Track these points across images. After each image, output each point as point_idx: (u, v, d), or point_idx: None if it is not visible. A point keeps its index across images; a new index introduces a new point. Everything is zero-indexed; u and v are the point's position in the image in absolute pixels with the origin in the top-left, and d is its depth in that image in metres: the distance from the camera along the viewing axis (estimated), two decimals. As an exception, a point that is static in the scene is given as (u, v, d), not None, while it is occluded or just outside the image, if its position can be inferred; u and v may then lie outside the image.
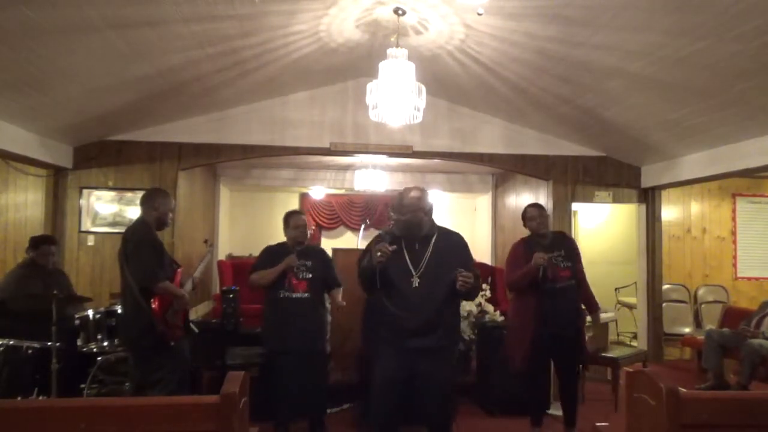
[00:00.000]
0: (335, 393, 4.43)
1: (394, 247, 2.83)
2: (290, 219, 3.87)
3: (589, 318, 4.12)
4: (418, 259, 2.90)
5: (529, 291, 3.72)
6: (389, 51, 3.56)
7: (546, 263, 3.61)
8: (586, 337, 3.98)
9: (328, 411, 4.09)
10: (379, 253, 2.76)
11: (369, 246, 3.09)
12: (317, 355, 3.80)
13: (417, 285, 2.85)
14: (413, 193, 2.96)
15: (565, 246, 3.88)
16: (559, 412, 4.16)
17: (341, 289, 3.96)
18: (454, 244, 3.04)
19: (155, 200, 3.44)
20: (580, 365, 4.01)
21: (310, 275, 3.74)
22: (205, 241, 4.14)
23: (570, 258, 3.82)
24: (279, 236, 3.95)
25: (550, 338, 3.67)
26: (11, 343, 3.73)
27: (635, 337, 6.89)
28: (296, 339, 3.64)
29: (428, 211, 2.99)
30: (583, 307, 3.99)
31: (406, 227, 2.93)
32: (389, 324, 2.89)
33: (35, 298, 3.85)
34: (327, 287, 3.88)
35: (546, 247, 3.77)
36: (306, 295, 3.70)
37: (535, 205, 4.01)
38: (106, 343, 4.06)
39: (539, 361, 3.75)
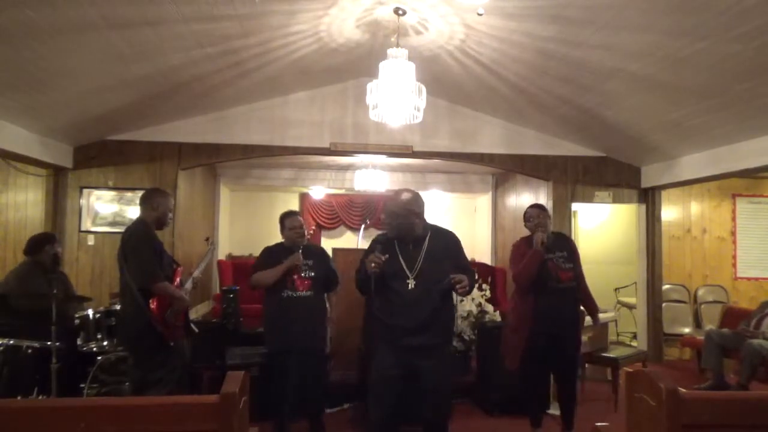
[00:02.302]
0: (335, 393, 4.43)
1: (386, 256, 2.86)
2: (285, 220, 3.86)
3: (588, 319, 4.11)
4: (412, 261, 2.92)
5: (531, 290, 3.70)
6: (389, 51, 3.56)
7: (545, 240, 3.61)
8: (583, 339, 3.97)
9: (328, 411, 4.08)
10: (373, 264, 2.78)
11: (367, 251, 3.08)
12: (318, 353, 3.81)
13: (413, 286, 2.87)
14: (404, 197, 2.97)
15: (567, 247, 3.85)
16: (558, 412, 4.16)
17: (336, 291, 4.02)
18: (446, 242, 3.07)
19: (154, 200, 3.43)
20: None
21: (313, 274, 3.74)
22: (207, 239, 4.14)
23: (571, 259, 3.80)
24: (279, 236, 3.94)
25: (548, 338, 3.66)
26: (11, 342, 3.72)
27: (635, 337, 6.89)
28: (300, 338, 3.64)
29: (420, 214, 2.99)
30: (582, 308, 3.98)
31: (399, 231, 2.94)
32: (386, 324, 2.92)
33: (39, 297, 3.86)
34: (326, 287, 3.88)
35: (547, 248, 3.76)
36: (309, 293, 3.70)
37: (535, 206, 3.95)
38: (106, 343, 4.06)
39: (536, 361, 3.73)
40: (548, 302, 3.65)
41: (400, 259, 2.92)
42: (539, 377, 3.87)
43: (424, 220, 3.04)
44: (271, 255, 3.78)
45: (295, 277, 3.68)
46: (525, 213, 3.95)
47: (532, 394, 3.90)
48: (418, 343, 2.85)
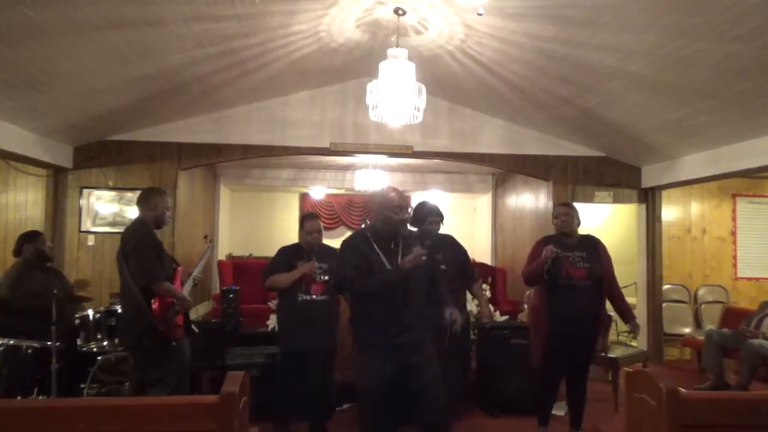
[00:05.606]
0: (335, 393, 4.42)
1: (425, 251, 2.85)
2: (305, 223, 3.85)
3: (623, 326, 4.11)
4: (396, 258, 2.92)
5: (544, 287, 3.74)
6: (389, 51, 3.56)
7: (553, 256, 3.61)
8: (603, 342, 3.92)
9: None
10: (424, 258, 2.78)
11: (347, 256, 3.00)
12: (331, 356, 3.82)
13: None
14: (401, 192, 3.00)
15: (590, 248, 3.83)
16: (561, 412, 4.15)
17: None
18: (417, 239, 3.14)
19: (151, 200, 3.43)
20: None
21: (327, 278, 3.74)
22: (205, 237, 4.11)
23: (591, 260, 3.77)
24: (279, 236, 3.94)
25: (561, 337, 3.66)
26: (11, 343, 3.72)
27: (635, 337, 6.89)
28: (314, 340, 3.66)
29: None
30: (610, 312, 3.96)
31: (404, 225, 2.95)
32: (378, 324, 2.89)
33: (34, 295, 3.86)
34: (340, 290, 3.87)
35: (569, 247, 3.76)
36: (324, 297, 3.71)
37: (564, 204, 4.01)
38: (106, 343, 4.06)
39: (551, 359, 3.74)
40: (560, 299, 3.65)
41: (382, 257, 2.91)
42: (554, 375, 3.85)
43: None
44: (287, 256, 3.79)
45: (310, 281, 3.70)
46: (553, 210, 4.04)
47: (544, 392, 3.89)
48: (410, 340, 2.85)
